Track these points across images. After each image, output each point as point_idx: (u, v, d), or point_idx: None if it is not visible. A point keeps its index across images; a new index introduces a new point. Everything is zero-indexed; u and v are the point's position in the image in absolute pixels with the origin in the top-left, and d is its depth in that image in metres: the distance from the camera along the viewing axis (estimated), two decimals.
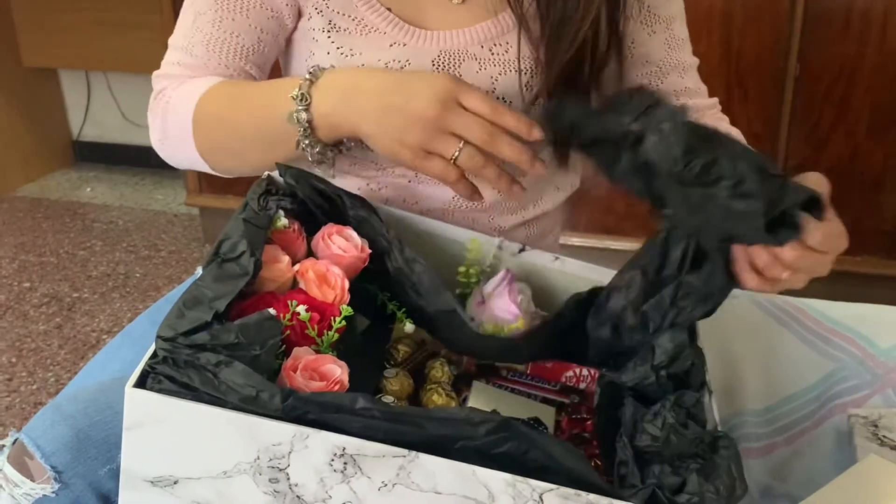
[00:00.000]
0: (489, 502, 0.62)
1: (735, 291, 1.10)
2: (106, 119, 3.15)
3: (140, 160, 3.12)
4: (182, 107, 0.90)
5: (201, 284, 0.68)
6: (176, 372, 0.61)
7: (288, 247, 0.79)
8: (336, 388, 0.64)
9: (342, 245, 0.79)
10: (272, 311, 0.67)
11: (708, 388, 0.74)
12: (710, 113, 1.02)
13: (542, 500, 0.61)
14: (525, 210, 0.99)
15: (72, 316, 2.30)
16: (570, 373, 0.88)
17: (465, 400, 0.82)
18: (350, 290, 0.79)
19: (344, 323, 0.70)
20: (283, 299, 0.71)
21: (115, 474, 0.77)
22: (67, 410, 0.83)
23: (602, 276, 0.85)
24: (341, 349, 0.72)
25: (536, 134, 0.79)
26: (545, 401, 0.84)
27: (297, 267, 0.75)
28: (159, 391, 0.61)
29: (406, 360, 0.85)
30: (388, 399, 0.80)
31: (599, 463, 0.75)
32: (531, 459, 0.63)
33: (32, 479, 0.79)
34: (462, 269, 0.87)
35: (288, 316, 0.68)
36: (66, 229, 2.78)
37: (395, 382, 0.83)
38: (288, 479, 0.62)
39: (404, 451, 0.61)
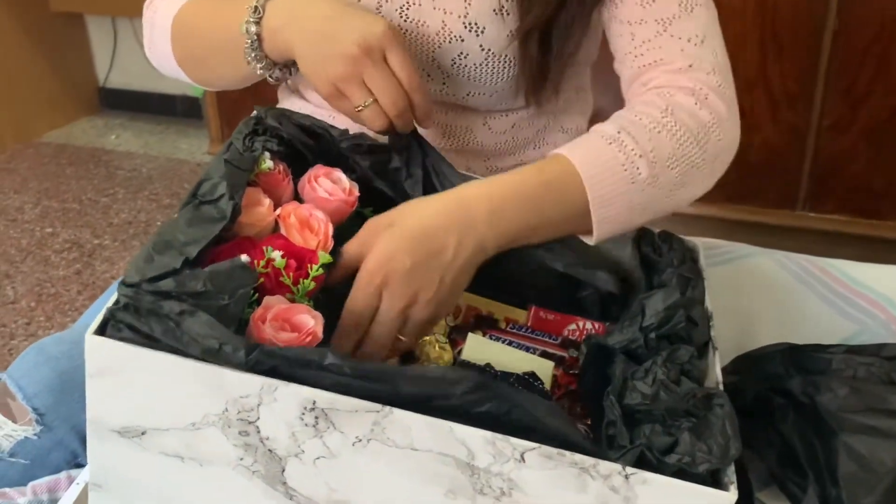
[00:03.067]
0: (468, 460, 0.58)
1: (755, 248, 1.05)
2: (132, 66, 3.13)
3: (165, 109, 3.10)
4: (166, 15, 0.91)
5: (174, 227, 0.64)
6: (137, 320, 0.57)
7: (272, 189, 0.75)
8: (308, 339, 0.61)
9: (328, 188, 0.75)
10: (245, 258, 0.63)
11: (712, 345, 0.69)
12: (655, 87, 0.82)
13: (523, 459, 0.57)
14: (524, 152, 0.94)
15: (92, 262, 2.30)
16: (573, 326, 0.84)
17: (459, 352, 0.79)
18: (338, 236, 0.76)
19: (322, 271, 0.66)
20: (261, 245, 0.68)
21: None
22: (52, 352, 0.81)
23: None
24: (321, 300, 0.68)
25: (429, 125, 0.80)
26: (545, 355, 0.80)
27: (278, 211, 0.71)
28: (119, 339, 0.58)
29: None
30: None
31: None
32: (514, 419, 0.59)
33: (14, 421, 0.78)
34: None
35: (263, 262, 0.65)
36: (90, 176, 2.77)
37: None
38: (258, 432, 0.59)
39: (378, 406, 0.57)
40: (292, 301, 0.64)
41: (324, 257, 0.67)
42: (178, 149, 2.96)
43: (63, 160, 2.87)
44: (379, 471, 0.59)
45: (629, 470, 0.57)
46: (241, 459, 0.61)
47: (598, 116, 1.03)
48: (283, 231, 0.71)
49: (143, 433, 0.61)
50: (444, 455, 0.58)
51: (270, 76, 0.85)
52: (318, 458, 0.60)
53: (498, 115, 0.92)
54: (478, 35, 0.86)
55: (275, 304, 0.62)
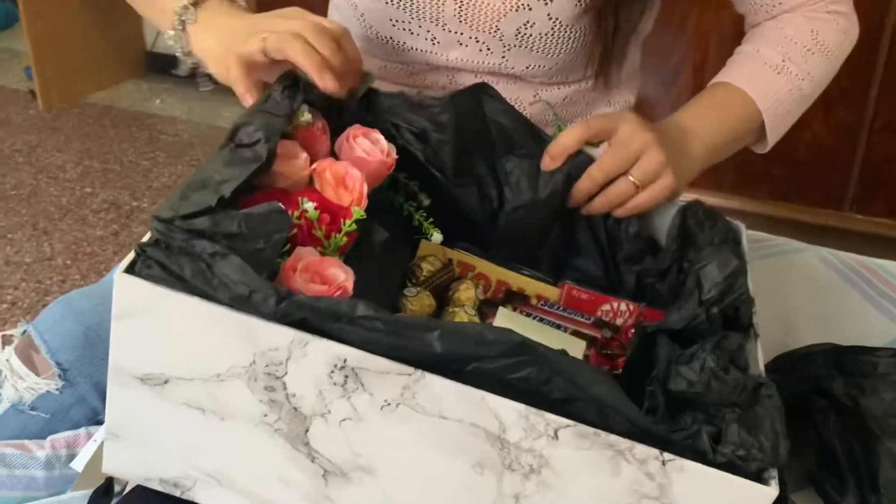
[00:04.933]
0: (499, 433, 0.56)
1: (800, 244, 1.02)
2: None
3: (210, 75, 3.09)
4: None
5: (210, 167, 0.63)
6: (167, 258, 0.56)
7: (309, 145, 0.73)
8: (338, 293, 0.59)
9: (366, 148, 0.73)
10: (280, 205, 0.61)
11: (755, 331, 0.66)
12: (801, 11, 0.93)
13: (557, 436, 0.55)
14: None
15: (129, 224, 2.30)
16: (607, 306, 0.81)
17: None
18: (372, 198, 0.73)
19: (355, 227, 0.64)
20: (294, 197, 0.66)
21: None
22: (79, 306, 0.80)
23: None
24: (352, 257, 0.66)
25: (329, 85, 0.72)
26: (576, 334, 0.78)
27: (314, 165, 0.69)
28: (148, 277, 0.56)
29: (429, 279, 0.79)
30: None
31: None
32: (555, 388, 0.56)
33: (37, 374, 0.77)
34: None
35: (297, 214, 0.63)
36: (132, 139, 2.78)
37: (416, 302, 0.77)
38: (285, 388, 0.57)
39: (410, 369, 0.55)
40: (323, 254, 0.63)
41: (357, 213, 0.65)
42: (220, 116, 2.96)
43: (106, 122, 2.89)
44: (405, 438, 0.57)
45: (667, 456, 0.54)
46: (265, 416, 0.59)
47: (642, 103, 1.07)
48: (317, 186, 0.69)
49: (165, 381, 0.59)
50: (474, 426, 0.56)
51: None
52: (343, 420, 0.58)
53: (552, 87, 0.90)
54: (546, 3, 0.85)
55: (306, 255, 0.60)
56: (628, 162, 0.78)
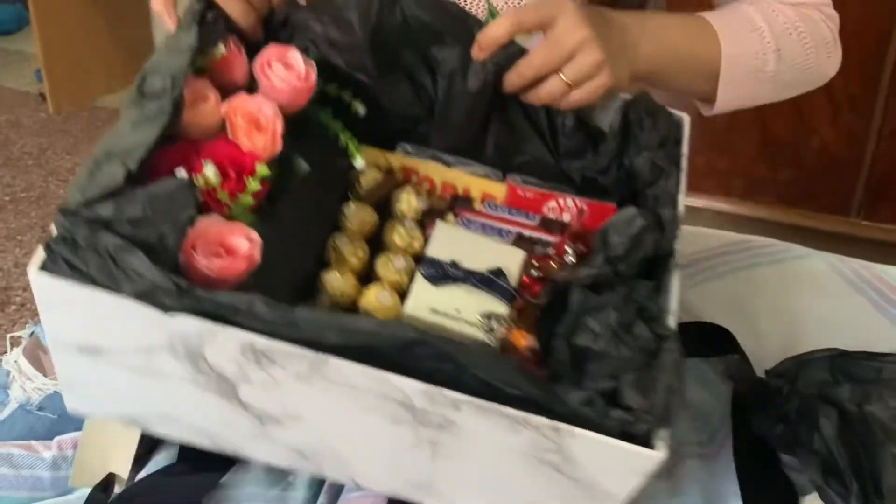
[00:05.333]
0: (407, 402, 0.59)
1: (808, 250, 0.99)
2: None
3: None
4: None
5: (118, 133, 0.62)
6: (73, 255, 0.57)
7: (225, 73, 0.70)
8: (244, 265, 0.60)
9: (281, 75, 0.70)
10: (183, 174, 0.61)
11: (674, 262, 0.66)
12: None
13: (458, 406, 0.58)
14: None
15: None
16: (553, 203, 0.81)
17: (428, 239, 0.77)
18: (299, 121, 0.72)
19: (259, 186, 0.63)
20: (205, 150, 0.65)
21: None
22: None
23: None
24: (266, 208, 0.67)
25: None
26: (520, 238, 0.78)
27: (224, 106, 0.67)
28: (57, 274, 0.57)
29: (370, 193, 0.79)
30: (343, 241, 0.75)
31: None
32: (460, 369, 0.59)
33: (45, 375, 0.79)
34: None
35: (201, 178, 0.62)
36: None
37: (355, 219, 0.78)
38: (206, 361, 0.61)
39: (312, 353, 0.57)
40: (230, 218, 0.63)
41: (261, 169, 0.64)
42: None
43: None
44: (324, 399, 0.61)
45: (557, 425, 0.57)
46: (196, 378, 0.63)
47: None
48: (228, 133, 0.67)
49: (100, 352, 0.63)
50: (384, 396, 0.59)
51: None
52: (265, 384, 0.61)
53: None
54: None
55: (208, 226, 0.60)
56: (561, 60, 0.73)
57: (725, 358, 0.84)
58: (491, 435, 0.59)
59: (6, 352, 0.83)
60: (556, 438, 0.58)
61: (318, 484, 0.74)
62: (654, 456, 0.57)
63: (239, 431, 0.66)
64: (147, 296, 0.56)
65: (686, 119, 0.79)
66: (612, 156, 0.78)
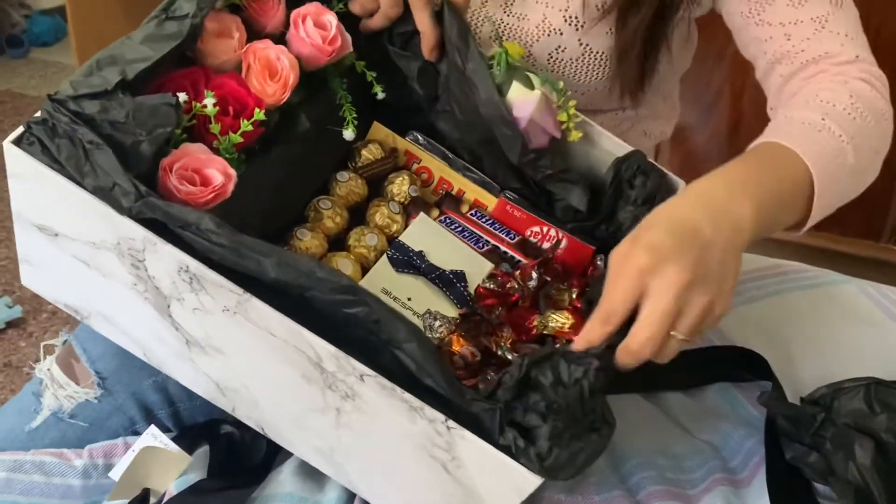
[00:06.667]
0: (317, 360, 0.60)
1: (841, 276, 0.97)
2: None
3: None
4: None
5: (129, 42, 0.65)
6: (49, 139, 0.60)
7: (259, 16, 0.73)
8: (211, 196, 0.62)
9: (309, 31, 0.72)
10: (183, 97, 0.63)
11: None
12: (827, 75, 0.81)
13: (363, 378, 0.59)
14: None
15: None
16: (537, 228, 0.82)
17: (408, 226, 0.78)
18: (319, 80, 0.74)
19: (251, 128, 0.65)
20: (214, 81, 0.67)
21: (160, 387, 0.79)
22: None
23: None
24: (258, 152, 0.69)
25: None
26: (494, 251, 0.79)
27: (246, 48, 0.70)
28: (29, 152, 0.60)
29: (366, 167, 0.81)
30: (326, 204, 0.77)
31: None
32: (383, 330, 0.60)
33: (77, 383, 0.80)
34: None
35: (201, 105, 0.65)
36: None
37: (344, 187, 0.79)
38: (146, 269, 0.63)
39: (239, 290, 0.59)
40: (217, 152, 0.65)
41: (258, 114, 0.66)
42: None
43: None
44: (244, 338, 0.63)
45: (450, 423, 0.58)
46: (135, 285, 0.65)
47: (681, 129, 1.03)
48: (243, 73, 0.70)
49: (55, 234, 0.65)
50: (297, 349, 0.61)
51: None
52: (195, 309, 0.63)
53: (585, 114, 0.85)
54: (577, 29, 0.85)
55: (191, 152, 0.63)
56: (669, 326, 0.61)
57: (758, 384, 0.83)
58: (390, 415, 0.60)
59: (39, 360, 0.83)
60: (448, 436, 0.59)
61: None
62: (532, 481, 0.57)
63: (166, 348, 0.68)
64: (105, 192, 0.59)
65: (682, 185, 0.79)
66: (604, 216, 0.79)
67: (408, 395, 0.58)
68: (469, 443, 0.58)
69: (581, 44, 0.86)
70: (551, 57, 0.87)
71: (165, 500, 0.70)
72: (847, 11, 0.83)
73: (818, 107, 0.77)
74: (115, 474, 0.74)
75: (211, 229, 0.58)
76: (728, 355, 0.85)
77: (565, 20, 0.86)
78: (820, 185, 0.72)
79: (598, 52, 0.87)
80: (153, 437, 0.76)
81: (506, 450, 0.58)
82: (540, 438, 0.58)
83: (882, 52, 0.84)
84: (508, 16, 0.87)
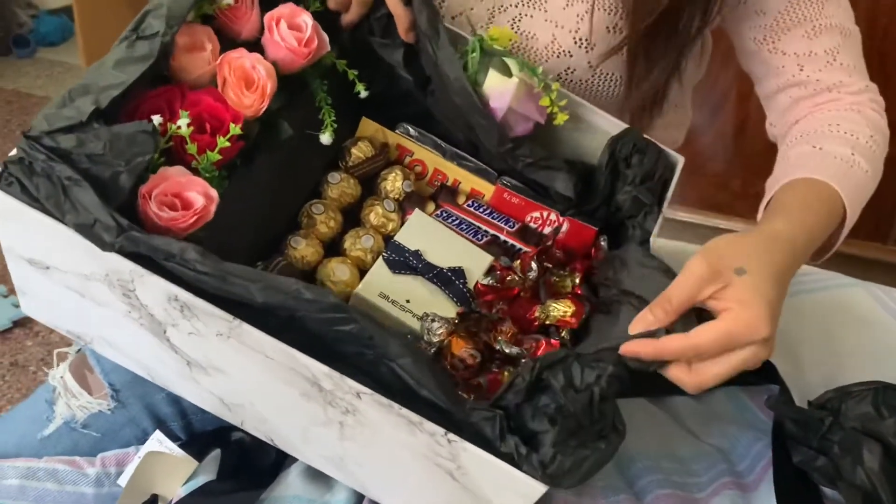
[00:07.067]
0: (314, 380, 0.60)
1: (849, 279, 0.95)
2: None
3: None
4: None
5: (100, 67, 0.64)
6: (27, 178, 0.59)
7: (231, 24, 0.71)
8: (193, 220, 0.61)
9: (284, 34, 0.70)
10: (157, 119, 0.62)
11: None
12: (841, 104, 0.85)
13: (359, 396, 0.59)
14: None
15: None
16: (537, 213, 0.80)
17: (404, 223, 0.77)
18: (296, 81, 0.73)
19: (228, 144, 0.64)
20: (189, 99, 0.66)
21: (172, 399, 0.79)
22: None
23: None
24: (239, 165, 0.68)
25: None
26: (493, 241, 0.78)
27: (220, 59, 0.68)
28: (8, 192, 0.60)
29: (357, 166, 0.79)
30: (319, 209, 0.76)
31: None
32: (377, 345, 0.59)
33: (90, 393, 0.80)
34: None
35: (173, 128, 0.63)
36: None
37: (336, 189, 0.78)
38: (138, 299, 0.63)
39: (229, 317, 0.59)
40: (196, 172, 0.64)
41: (234, 129, 0.65)
42: None
43: None
44: (242, 360, 0.62)
45: (451, 437, 0.57)
46: (129, 312, 0.65)
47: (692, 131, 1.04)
48: (219, 84, 0.68)
49: (47, 268, 0.65)
50: (293, 370, 0.60)
51: None
52: (190, 333, 0.63)
53: None
54: (587, 52, 0.84)
55: (171, 175, 0.62)
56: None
57: (766, 388, 0.82)
58: (391, 429, 0.60)
59: (44, 358, 0.83)
60: (450, 448, 0.58)
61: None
62: (537, 488, 0.57)
63: (169, 369, 0.68)
64: (87, 229, 0.58)
65: (681, 161, 0.77)
66: (602, 198, 0.77)
67: (405, 411, 0.58)
68: (471, 453, 0.58)
69: (591, 66, 0.85)
70: (561, 78, 0.86)
71: (174, 502, 0.71)
72: (853, 40, 0.87)
73: (845, 140, 0.82)
74: (124, 481, 0.75)
75: (195, 259, 0.57)
76: None
77: (575, 42, 0.84)
78: (850, 219, 0.79)
79: (609, 74, 0.86)
80: (158, 442, 0.77)
81: (508, 457, 0.57)
82: (544, 445, 0.57)
83: (889, 53, 0.84)
84: (516, 32, 0.85)
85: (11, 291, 1.84)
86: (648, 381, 0.63)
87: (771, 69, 0.87)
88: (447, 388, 0.59)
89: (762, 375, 0.81)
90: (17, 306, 1.79)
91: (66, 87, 0.63)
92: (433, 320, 0.69)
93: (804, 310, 0.88)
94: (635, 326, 0.63)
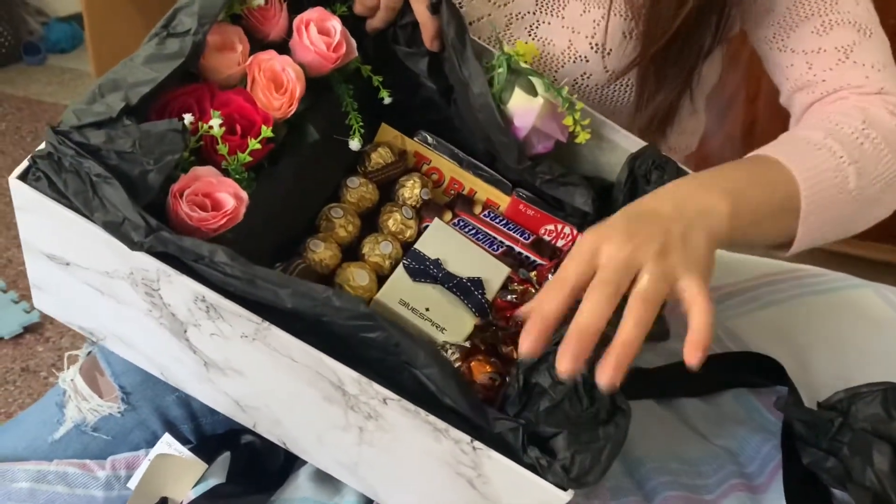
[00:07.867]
0: (339, 384, 0.60)
1: (859, 280, 0.96)
2: None
3: None
4: None
5: (130, 64, 0.63)
6: (55, 173, 0.59)
7: (261, 25, 0.71)
8: (224, 222, 0.61)
9: (313, 38, 0.70)
10: (189, 118, 0.62)
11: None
12: (846, 102, 0.79)
13: (385, 402, 0.59)
14: None
15: None
16: (551, 226, 0.81)
17: (421, 231, 0.77)
18: (324, 87, 0.73)
19: (259, 146, 0.64)
20: (219, 98, 0.66)
21: (183, 402, 0.78)
22: None
23: None
24: (266, 167, 0.68)
25: None
26: (509, 252, 0.78)
27: (249, 60, 0.68)
28: (36, 187, 0.59)
29: (377, 171, 0.79)
30: (338, 213, 0.76)
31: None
32: (403, 351, 0.59)
33: (101, 396, 0.79)
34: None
35: (207, 126, 0.63)
36: None
37: (355, 193, 0.78)
38: (161, 298, 0.62)
39: (257, 319, 0.58)
40: (226, 172, 0.64)
41: (265, 131, 0.65)
42: None
43: None
44: (265, 363, 0.62)
45: (476, 444, 0.58)
46: (150, 311, 0.64)
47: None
48: (248, 86, 0.68)
49: (67, 263, 0.65)
50: (319, 374, 0.60)
51: None
52: (213, 334, 0.63)
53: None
54: (603, 57, 0.85)
55: (202, 175, 0.62)
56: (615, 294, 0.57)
57: (774, 389, 0.83)
58: (414, 435, 0.60)
59: (55, 364, 0.82)
60: (474, 455, 0.58)
61: None
62: (561, 497, 0.57)
63: (185, 368, 0.68)
64: (115, 228, 0.58)
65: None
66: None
67: (432, 418, 0.58)
68: (495, 462, 0.58)
69: (607, 70, 0.85)
70: (577, 83, 0.86)
71: None
72: (875, 41, 0.81)
73: (823, 127, 0.75)
74: (134, 484, 0.74)
75: (225, 262, 0.57)
76: (744, 361, 0.85)
77: (591, 47, 0.84)
78: (808, 203, 0.69)
79: (624, 80, 0.86)
80: (167, 444, 0.76)
81: (531, 467, 0.57)
82: (560, 450, 0.57)
83: None
84: (533, 39, 0.86)
85: (23, 297, 1.82)
86: (655, 383, 0.63)
87: (783, 71, 0.84)
88: (472, 399, 0.59)
89: (771, 377, 0.83)
90: (28, 312, 1.78)
91: (76, 95, 0.62)
92: (445, 349, 0.68)
93: (813, 311, 0.87)
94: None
